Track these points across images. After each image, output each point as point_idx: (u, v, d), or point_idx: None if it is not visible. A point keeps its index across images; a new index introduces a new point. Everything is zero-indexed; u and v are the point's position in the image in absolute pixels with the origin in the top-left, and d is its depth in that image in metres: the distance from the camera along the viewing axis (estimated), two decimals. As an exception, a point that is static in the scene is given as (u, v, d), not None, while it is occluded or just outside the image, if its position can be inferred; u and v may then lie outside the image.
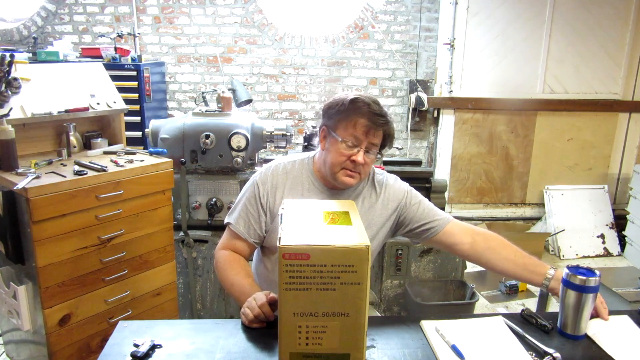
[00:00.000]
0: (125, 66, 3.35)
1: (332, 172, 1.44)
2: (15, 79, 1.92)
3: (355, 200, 1.50)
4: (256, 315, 1.23)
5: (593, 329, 1.25)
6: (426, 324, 1.27)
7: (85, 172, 1.85)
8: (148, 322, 1.29)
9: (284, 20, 3.92)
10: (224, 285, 1.48)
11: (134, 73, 3.36)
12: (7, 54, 1.89)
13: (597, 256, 3.80)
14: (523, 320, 1.31)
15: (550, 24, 3.75)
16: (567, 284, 1.22)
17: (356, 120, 1.39)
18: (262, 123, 2.63)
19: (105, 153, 2.18)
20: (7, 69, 1.89)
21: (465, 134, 3.95)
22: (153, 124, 2.59)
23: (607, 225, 3.89)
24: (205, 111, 2.58)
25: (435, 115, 3.98)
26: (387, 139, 1.45)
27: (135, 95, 3.37)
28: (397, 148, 3.09)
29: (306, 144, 2.76)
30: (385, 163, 2.81)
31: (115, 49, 3.44)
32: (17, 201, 1.75)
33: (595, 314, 1.28)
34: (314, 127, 2.77)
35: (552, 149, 4.02)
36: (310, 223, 1.06)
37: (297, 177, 1.51)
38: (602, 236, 3.86)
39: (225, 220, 1.53)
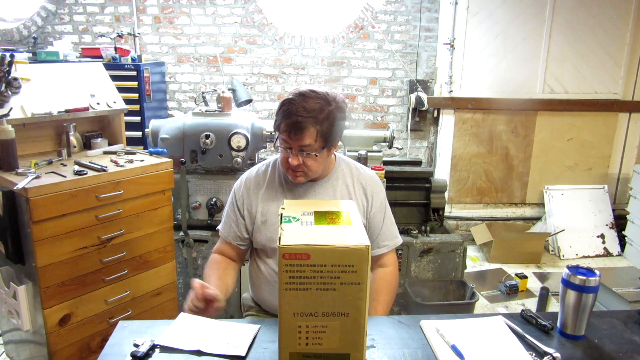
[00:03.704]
0: (125, 66, 3.35)
1: (284, 172, 1.52)
2: (15, 79, 1.92)
3: (333, 186, 1.55)
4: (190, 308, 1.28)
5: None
6: (426, 324, 1.27)
7: (85, 172, 1.85)
8: (148, 322, 1.29)
9: (284, 20, 3.91)
10: None
11: (134, 73, 3.36)
12: (7, 54, 1.90)
13: (597, 256, 3.79)
14: (523, 320, 1.31)
15: (550, 24, 3.75)
16: (567, 284, 1.22)
17: (281, 124, 1.41)
18: (262, 123, 2.63)
19: (105, 153, 2.18)
20: (7, 69, 1.89)
21: (465, 134, 3.95)
22: (153, 124, 2.59)
23: (607, 225, 3.89)
24: (205, 111, 2.58)
25: (435, 115, 3.98)
26: (325, 132, 1.40)
27: (135, 95, 3.37)
28: (397, 148, 3.09)
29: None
30: (386, 163, 2.81)
31: (115, 49, 3.44)
32: (17, 201, 1.75)
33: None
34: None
35: (552, 149, 4.02)
36: (310, 223, 1.06)
37: (271, 177, 1.57)
38: (602, 236, 3.86)
39: (218, 227, 1.64)
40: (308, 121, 1.37)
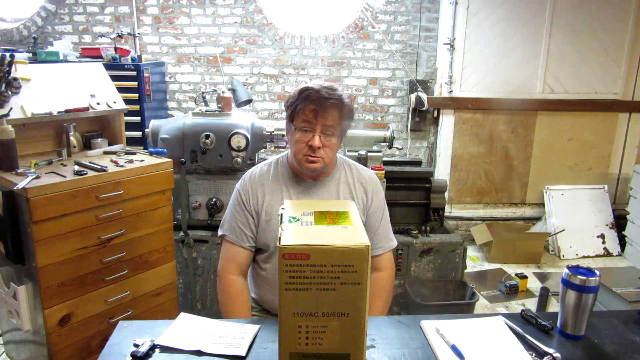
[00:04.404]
0: (125, 66, 3.35)
1: (297, 160, 1.50)
2: (15, 79, 1.92)
3: (336, 185, 1.57)
4: None
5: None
6: (426, 324, 1.27)
7: (85, 172, 1.85)
8: (148, 322, 1.29)
9: (284, 20, 3.91)
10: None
11: (134, 73, 3.36)
12: (7, 54, 1.90)
13: (597, 256, 3.79)
14: (523, 320, 1.31)
15: (550, 24, 3.75)
16: (567, 284, 1.22)
17: (305, 106, 1.45)
18: (262, 123, 2.63)
19: (105, 153, 2.18)
20: (7, 69, 1.89)
21: (465, 134, 3.95)
22: (153, 124, 2.59)
23: (607, 225, 3.89)
24: (205, 111, 2.58)
25: (435, 115, 3.98)
26: (343, 118, 1.48)
27: (135, 95, 3.37)
28: (397, 148, 3.09)
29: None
30: (386, 163, 2.81)
31: (115, 49, 3.44)
32: (17, 201, 1.75)
33: None
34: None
35: (552, 149, 4.02)
36: (310, 223, 1.06)
37: (274, 176, 1.58)
38: (602, 236, 3.86)
39: (219, 233, 1.60)
40: (334, 102, 1.44)
